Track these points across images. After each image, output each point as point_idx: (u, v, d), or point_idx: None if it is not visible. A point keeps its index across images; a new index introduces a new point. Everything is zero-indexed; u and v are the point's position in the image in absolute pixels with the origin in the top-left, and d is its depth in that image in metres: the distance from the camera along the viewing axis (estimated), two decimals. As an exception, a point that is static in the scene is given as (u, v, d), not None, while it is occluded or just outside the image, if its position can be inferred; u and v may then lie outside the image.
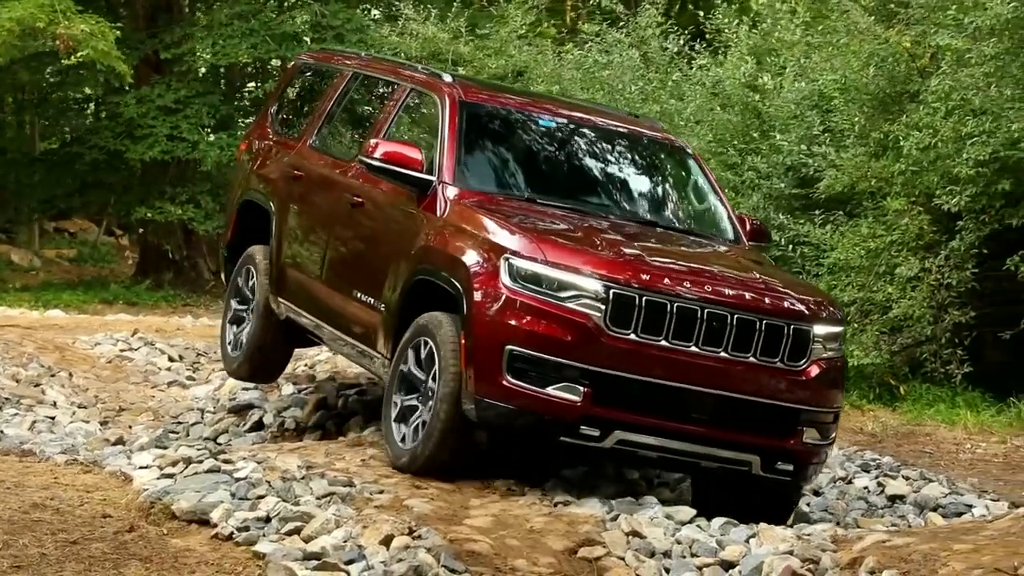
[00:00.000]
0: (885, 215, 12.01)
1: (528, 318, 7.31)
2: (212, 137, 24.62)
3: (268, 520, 6.95)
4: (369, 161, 8.24)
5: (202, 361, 12.69)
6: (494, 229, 7.69)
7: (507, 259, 7.40)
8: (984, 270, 11.88)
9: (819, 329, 7.67)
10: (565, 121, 9.01)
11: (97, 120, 26.13)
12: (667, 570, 6.91)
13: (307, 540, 6.72)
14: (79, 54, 21.09)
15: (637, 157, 9.15)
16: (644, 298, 7.33)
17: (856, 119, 12.37)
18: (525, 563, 6.73)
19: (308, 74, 10.80)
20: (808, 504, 8.61)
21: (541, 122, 8.89)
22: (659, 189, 9.13)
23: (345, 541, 6.68)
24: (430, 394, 7.62)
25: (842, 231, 12.25)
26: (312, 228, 9.28)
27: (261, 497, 7.19)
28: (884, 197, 12.10)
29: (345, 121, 9.80)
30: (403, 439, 7.76)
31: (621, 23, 16.33)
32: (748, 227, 8.91)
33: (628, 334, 7.34)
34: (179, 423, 9.98)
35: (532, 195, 8.33)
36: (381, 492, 7.49)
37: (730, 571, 6.89)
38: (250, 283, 9.80)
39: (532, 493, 7.90)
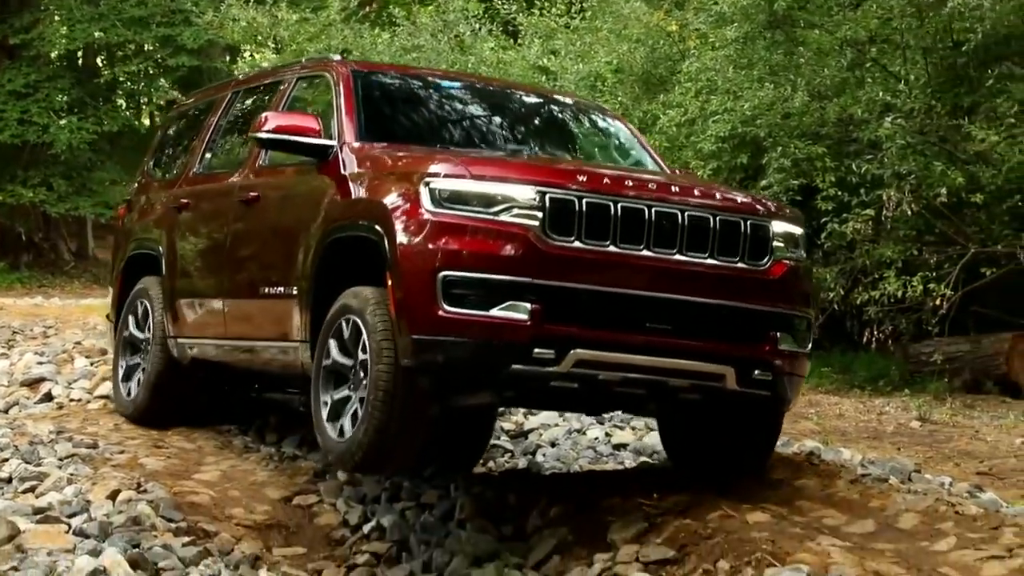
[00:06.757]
0: (646, 188, 12.86)
1: (458, 239, 6.52)
2: (63, 121, 25.07)
3: (9, 481, 7.68)
4: (261, 135, 7.63)
5: (17, 339, 13.27)
6: (408, 160, 7.00)
7: (427, 184, 6.62)
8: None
9: (778, 227, 7.10)
10: (469, 82, 8.65)
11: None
12: (372, 513, 7.81)
13: (39, 497, 7.42)
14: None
15: (553, 112, 8.78)
16: (584, 200, 6.60)
17: (620, 98, 13.22)
18: (242, 511, 7.52)
19: (185, 117, 10.29)
20: (544, 455, 9.44)
21: (444, 84, 8.42)
22: (582, 140, 8.71)
23: (75, 497, 7.37)
24: (362, 375, 6.84)
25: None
26: (206, 246, 8.79)
27: (5, 460, 7.93)
28: (645, 171, 12.98)
29: (230, 136, 9.21)
30: (341, 432, 6.95)
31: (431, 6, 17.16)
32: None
33: (571, 241, 6.59)
34: (-27, 396, 10.54)
35: (444, 146, 7.74)
36: (122, 452, 8.25)
37: (430, 511, 7.82)
38: (145, 319, 9.35)
39: (267, 448, 8.72)
